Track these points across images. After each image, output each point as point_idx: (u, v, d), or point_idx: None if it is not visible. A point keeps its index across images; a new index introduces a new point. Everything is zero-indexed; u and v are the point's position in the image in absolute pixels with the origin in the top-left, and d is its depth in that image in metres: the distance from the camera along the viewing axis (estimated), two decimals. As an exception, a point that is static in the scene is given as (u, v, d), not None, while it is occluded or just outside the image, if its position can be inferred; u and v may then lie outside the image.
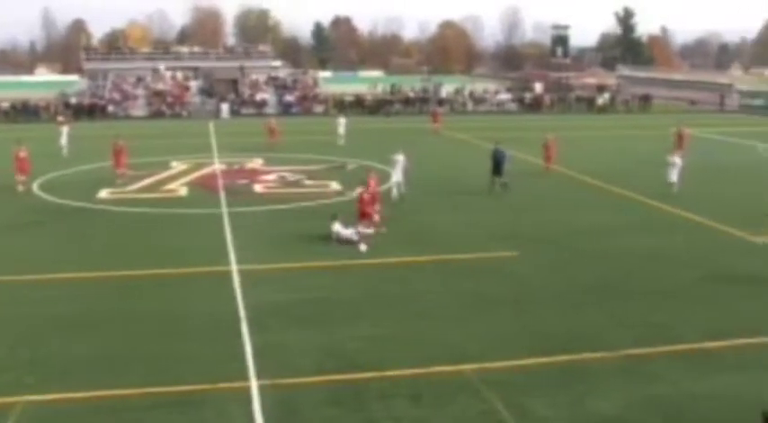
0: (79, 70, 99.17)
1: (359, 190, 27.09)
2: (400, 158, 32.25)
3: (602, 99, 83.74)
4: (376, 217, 26.68)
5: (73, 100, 74.38)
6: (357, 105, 77.79)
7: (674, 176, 33.14)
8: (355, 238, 24.79)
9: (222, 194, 33.72)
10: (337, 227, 25.20)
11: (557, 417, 13.71)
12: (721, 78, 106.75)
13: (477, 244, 25.25)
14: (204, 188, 35.64)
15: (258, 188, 35.61)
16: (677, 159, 33.51)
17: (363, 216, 25.87)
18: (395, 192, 31.80)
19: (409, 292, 20.52)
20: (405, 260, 23.29)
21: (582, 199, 33.43)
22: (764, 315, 18.89)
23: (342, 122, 51.49)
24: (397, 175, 32.06)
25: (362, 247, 23.89)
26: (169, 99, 75.46)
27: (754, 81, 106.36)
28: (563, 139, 53.33)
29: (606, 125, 66.77)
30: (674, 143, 42.89)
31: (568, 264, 23.34)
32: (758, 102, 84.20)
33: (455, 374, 15.30)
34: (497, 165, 34.21)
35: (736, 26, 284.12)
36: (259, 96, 77.38)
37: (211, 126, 62.70)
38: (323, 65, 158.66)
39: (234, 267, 22.55)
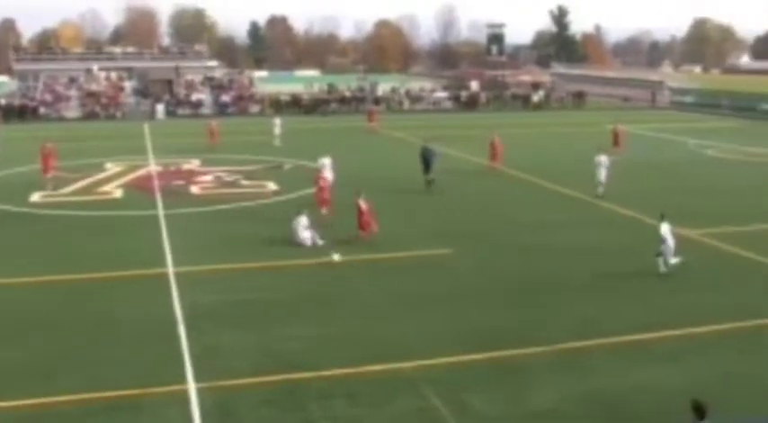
0: (9, 71, 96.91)
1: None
2: (327, 162, 32.69)
3: (537, 96, 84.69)
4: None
5: (2, 101, 72.71)
6: (294, 105, 77.47)
7: (602, 176, 32.50)
8: (308, 243, 24.67)
9: (158, 196, 33.31)
10: (302, 222, 24.96)
11: (495, 412, 13.86)
12: (653, 76, 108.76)
13: (412, 242, 25.36)
14: (140, 190, 35.17)
15: (195, 189, 35.26)
16: (603, 158, 32.72)
17: (323, 202, 28.16)
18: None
19: (345, 292, 20.55)
20: (340, 259, 23.26)
21: (518, 196, 33.78)
22: (692, 307, 19.33)
23: (277, 123, 51.10)
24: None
25: (336, 257, 23.05)
26: (103, 100, 74.22)
27: (684, 78, 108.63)
28: (500, 136, 53.89)
29: (541, 122, 67.59)
30: (612, 141, 43.70)
31: (502, 260, 23.59)
32: (688, 99, 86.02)
33: (393, 373, 15.36)
34: (426, 163, 34.64)
35: (667, 24, 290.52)
36: (195, 97, 76.58)
37: (146, 127, 61.88)
38: (259, 64, 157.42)
39: (170, 270, 22.31)
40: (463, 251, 24.28)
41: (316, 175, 29.87)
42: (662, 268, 21.55)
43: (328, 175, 31.53)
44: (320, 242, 24.74)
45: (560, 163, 42.12)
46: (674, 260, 21.46)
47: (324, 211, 27.82)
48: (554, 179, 36.32)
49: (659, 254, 21.52)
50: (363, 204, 25.52)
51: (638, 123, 62.91)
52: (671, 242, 21.60)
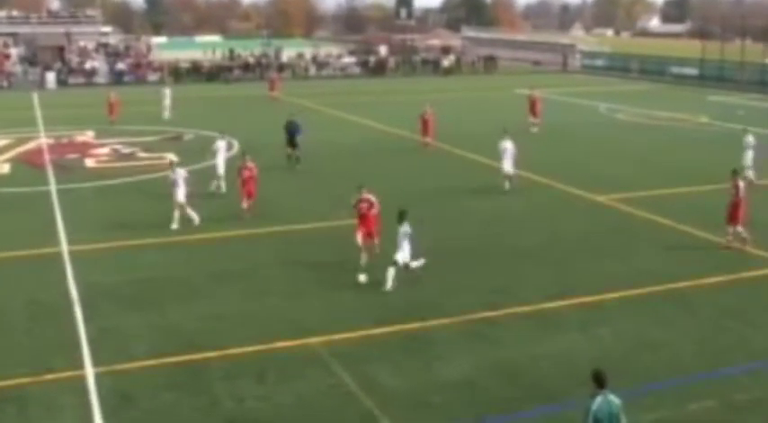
0: None
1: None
2: (221, 145, 29.20)
3: (447, 61, 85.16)
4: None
5: None
6: (194, 72, 76.20)
7: (508, 166, 28.38)
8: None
9: (50, 170, 32.41)
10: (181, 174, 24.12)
11: (404, 385, 13.98)
12: (564, 39, 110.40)
13: (316, 214, 25.27)
14: (29, 164, 34.14)
15: (90, 163, 34.42)
16: (508, 144, 28.44)
17: (250, 195, 24.94)
18: (219, 184, 28.49)
19: (247, 267, 20.40)
20: (241, 233, 23.09)
21: (427, 163, 33.95)
22: (601, 274, 19.83)
23: (167, 93, 48.29)
24: (220, 167, 28.52)
25: (362, 278, 19.10)
26: (-13, 69, 71.66)
27: (595, 42, 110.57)
28: (409, 103, 54.01)
29: (452, 87, 68.03)
30: (528, 109, 42.98)
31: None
32: (599, 62, 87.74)
33: (301, 349, 15.36)
34: (291, 137, 32.92)
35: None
36: (88, 64, 74.52)
37: (35, 97, 60.01)
38: (157, 30, 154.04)
39: (65, 248, 21.78)
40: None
41: (239, 164, 25.62)
42: (389, 285, 18.36)
43: (221, 158, 28.65)
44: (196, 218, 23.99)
45: (472, 129, 42.40)
46: (415, 263, 18.84)
47: (245, 204, 24.81)
48: (466, 146, 36.60)
49: (395, 263, 18.48)
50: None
51: (549, 88, 63.79)
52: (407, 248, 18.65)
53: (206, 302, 17.92)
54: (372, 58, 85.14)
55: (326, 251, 21.58)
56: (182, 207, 23.88)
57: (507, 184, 28.30)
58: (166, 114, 47.08)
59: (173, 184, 24.13)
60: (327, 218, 24.21)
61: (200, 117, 46.94)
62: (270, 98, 56.75)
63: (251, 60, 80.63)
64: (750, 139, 29.90)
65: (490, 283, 19.13)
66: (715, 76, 70.73)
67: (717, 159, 33.05)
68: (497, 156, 28.97)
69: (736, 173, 22.42)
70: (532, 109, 42.91)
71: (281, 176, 30.65)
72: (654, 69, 77.81)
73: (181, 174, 24.22)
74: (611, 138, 41.29)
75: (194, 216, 24.01)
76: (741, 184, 22.11)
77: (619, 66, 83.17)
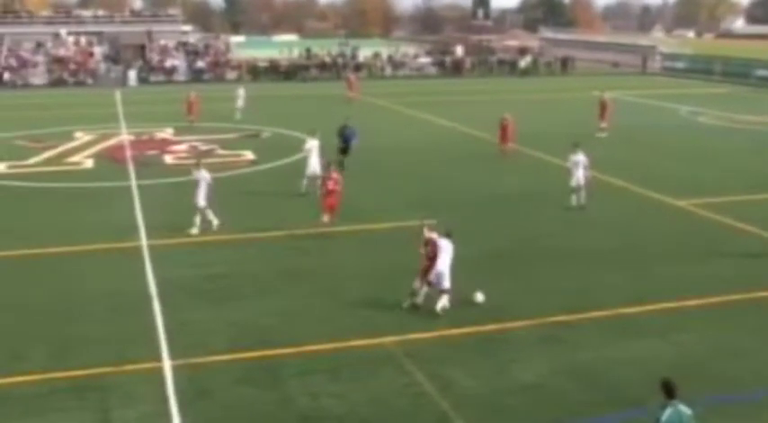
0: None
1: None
2: (314, 144, 28.11)
3: (524, 62, 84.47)
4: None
5: (-34, 68, 71.81)
6: (272, 71, 76.99)
7: (580, 179, 26.05)
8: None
9: (131, 166, 33.07)
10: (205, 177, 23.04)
11: (479, 386, 13.89)
12: (643, 40, 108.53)
13: (393, 214, 25.25)
14: (111, 160, 34.89)
15: (169, 159, 35.03)
16: (581, 158, 26.17)
17: (329, 208, 23.26)
18: (303, 182, 27.96)
19: (322, 264, 20.51)
20: (317, 231, 23.16)
21: (502, 164, 33.67)
22: (682, 279, 19.40)
23: (241, 94, 47.68)
24: (313, 166, 27.68)
25: (479, 297, 17.76)
26: (72, 66, 73.42)
27: (676, 43, 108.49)
28: (485, 103, 53.82)
29: (529, 88, 67.42)
30: (598, 112, 41.45)
31: (485, 230, 23.58)
32: (680, 64, 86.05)
33: (375, 347, 15.36)
34: (346, 143, 31.43)
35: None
36: (168, 62, 75.87)
37: (118, 94, 61.32)
38: (235, 29, 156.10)
39: (144, 243, 22.18)
40: (446, 221, 24.13)
41: (323, 175, 24.40)
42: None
43: (315, 160, 27.64)
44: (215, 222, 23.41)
45: (550, 130, 41.88)
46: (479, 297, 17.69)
47: (326, 218, 23.16)
48: (542, 147, 36.20)
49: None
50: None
51: (628, 89, 62.91)
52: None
53: (280, 299, 18.07)
54: (449, 59, 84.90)
55: (401, 251, 21.53)
56: (202, 211, 23.28)
57: (574, 200, 25.92)
58: (238, 115, 46.47)
59: (195, 186, 23.61)
60: (404, 218, 24.17)
61: (277, 115, 47.39)
62: (347, 98, 56.89)
63: (327, 60, 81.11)
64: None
65: (567, 286, 18.89)
66: (802, 80, 68.80)
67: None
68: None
69: None
70: (602, 112, 41.24)
71: (356, 175, 30.71)
72: (737, 72, 75.93)
73: (203, 176, 23.53)
74: (692, 141, 40.42)
75: (214, 219, 23.35)
76: None
77: (701, 68, 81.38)
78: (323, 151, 28.23)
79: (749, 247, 21.92)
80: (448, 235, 17.69)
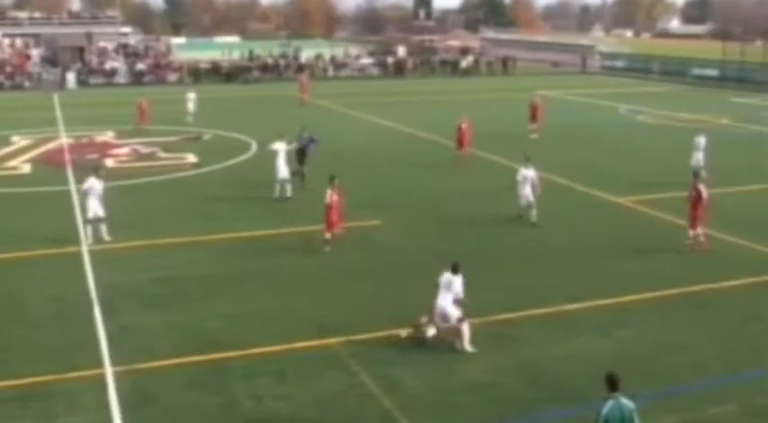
0: None
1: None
2: (281, 147, 27.56)
3: (465, 62, 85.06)
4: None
5: None
6: (213, 73, 76.46)
7: (527, 193, 24.34)
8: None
9: (70, 170, 32.56)
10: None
11: (425, 386, 13.97)
12: (583, 40, 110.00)
13: (346, 215, 25.14)
14: (50, 164, 34.33)
15: (110, 162, 34.55)
16: (531, 173, 24.51)
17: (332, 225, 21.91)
18: (284, 188, 27.75)
19: (268, 267, 20.43)
20: (264, 233, 23.11)
21: (448, 165, 33.86)
22: (623, 276, 19.74)
23: (192, 97, 46.71)
24: (282, 171, 27.38)
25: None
26: (8, 69, 72.11)
27: (614, 43, 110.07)
28: (428, 103, 54.09)
29: (471, 88, 67.91)
30: (529, 115, 41.02)
31: (431, 231, 23.74)
32: (619, 63, 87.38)
33: (321, 349, 15.37)
34: (302, 152, 29.17)
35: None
36: (108, 65, 74.87)
37: (56, 97, 60.33)
38: (176, 31, 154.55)
39: (84, 248, 21.88)
40: (392, 221, 24.32)
41: (329, 190, 21.97)
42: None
43: (281, 163, 27.17)
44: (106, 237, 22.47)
45: (492, 130, 42.11)
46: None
47: (328, 234, 21.81)
48: (485, 147, 36.43)
49: None
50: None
51: (568, 88, 63.74)
52: None
53: (226, 302, 17.97)
54: (391, 59, 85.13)
55: (349, 251, 21.59)
56: (95, 222, 22.39)
57: (531, 213, 24.31)
58: (190, 119, 45.54)
59: (84, 194, 22.68)
60: (351, 219, 24.09)
61: (219, 117, 47.01)
62: (299, 100, 56.01)
63: (269, 61, 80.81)
64: (701, 140, 30.36)
65: (513, 284, 19.09)
66: (736, 78, 70.33)
67: (739, 161, 32.90)
68: (516, 157, 28.50)
69: (696, 175, 23.01)
70: (533, 114, 40.67)
71: (312, 179, 30.64)
72: (675, 70, 77.40)
73: (93, 184, 22.58)
74: (632, 139, 41.08)
75: (105, 235, 22.48)
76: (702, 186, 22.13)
77: (639, 67, 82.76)
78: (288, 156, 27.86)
79: (683, 242, 22.32)
80: (455, 269, 15.97)
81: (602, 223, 24.77)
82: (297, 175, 28.62)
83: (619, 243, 22.57)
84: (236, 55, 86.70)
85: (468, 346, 15.31)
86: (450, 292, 15.63)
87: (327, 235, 21.77)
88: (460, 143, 34.37)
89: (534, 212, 24.28)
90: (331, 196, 21.77)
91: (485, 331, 16.12)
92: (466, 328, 15.38)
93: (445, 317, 15.52)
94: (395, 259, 21.09)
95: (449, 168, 32.95)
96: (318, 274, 19.83)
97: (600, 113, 51.47)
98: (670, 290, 18.49)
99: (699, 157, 30.05)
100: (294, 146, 29.04)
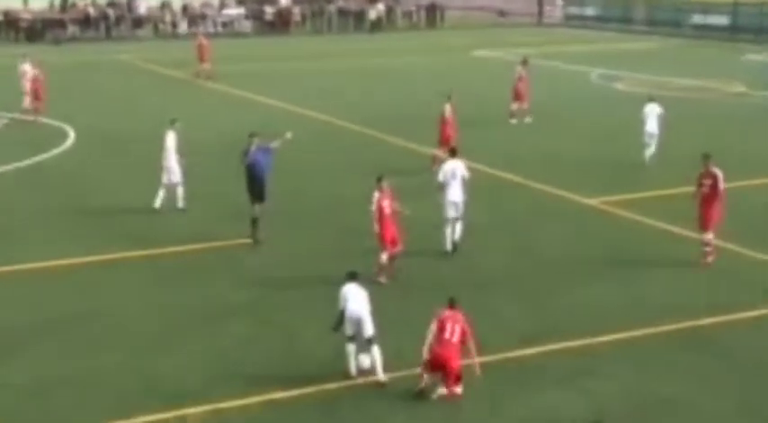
0: None
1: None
2: (170, 143, 27.40)
3: (375, 12, 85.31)
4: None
5: None
6: (9, 27, 75.37)
7: (459, 207, 23.60)
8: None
9: None
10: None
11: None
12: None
13: (201, 230, 25.33)
14: None
15: None
16: (460, 169, 23.78)
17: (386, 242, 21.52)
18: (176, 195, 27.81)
19: (95, 308, 20.29)
20: (93, 259, 22.99)
21: (354, 153, 34.33)
22: (594, 307, 20.19)
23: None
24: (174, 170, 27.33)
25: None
26: None
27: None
28: (318, 71, 54.15)
29: (382, 48, 68.21)
30: (512, 94, 40.67)
31: (326, 251, 23.83)
32: (589, 11, 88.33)
33: (174, 423, 15.36)
34: (258, 181, 24.87)
35: None
36: None
37: None
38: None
39: None
40: (270, 238, 23.99)
41: (376, 194, 21.51)
42: None
43: (172, 160, 27.10)
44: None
45: (412, 110, 42.40)
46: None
47: (384, 256, 21.34)
48: (395, 131, 36.75)
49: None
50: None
51: (519, 47, 64.33)
52: None
53: (28, 361, 17.74)
54: (270, 9, 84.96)
55: (213, 280, 21.59)
56: None
57: (448, 235, 23.61)
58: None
59: None
60: (222, 237, 24.31)
61: (17, 94, 45.49)
62: (198, 72, 54.19)
63: (92, 12, 79.82)
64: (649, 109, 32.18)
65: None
66: (754, 28, 71.57)
67: (758, 146, 33.62)
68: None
69: (707, 158, 22.90)
70: (517, 94, 40.57)
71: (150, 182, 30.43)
72: (667, 19, 78.59)
73: None
74: (606, 116, 41.86)
75: None
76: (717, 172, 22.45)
77: (617, 15, 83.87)
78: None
79: (680, 257, 22.87)
80: (352, 277, 17.09)
81: (567, 234, 25.21)
82: (250, 222, 25.04)
83: (589, 261, 23.01)
84: (43, 3, 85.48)
85: (381, 375, 16.31)
86: (365, 302, 16.72)
87: (383, 257, 21.31)
88: (445, 139, 30.81)
89: (459, 227, 23.61)
90: (379, 202, 21.26)
91: (408, 389, 16.14)
92: (377, 352, 16.31)
93: (360, 323, 16.45)
94: (274, 291, 21.23)
95: (352, 164, 32.84)
96: (167, 317, 19.80)
97: (563, 82, 52.20)
98: (657, 325, 18.79)
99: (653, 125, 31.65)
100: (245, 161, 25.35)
